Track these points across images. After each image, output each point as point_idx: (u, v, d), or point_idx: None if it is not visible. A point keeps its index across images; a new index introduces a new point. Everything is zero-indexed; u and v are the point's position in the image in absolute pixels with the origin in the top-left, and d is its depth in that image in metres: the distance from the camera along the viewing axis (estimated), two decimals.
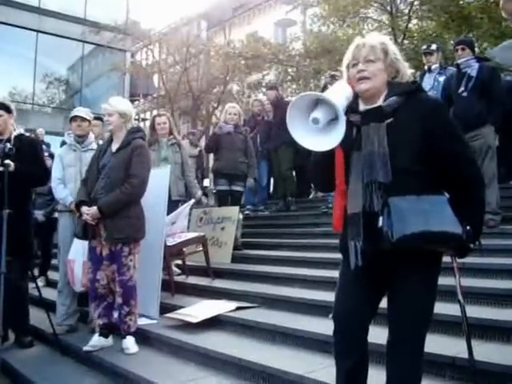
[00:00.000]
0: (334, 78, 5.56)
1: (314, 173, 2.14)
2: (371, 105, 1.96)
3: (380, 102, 1.94)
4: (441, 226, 1.80)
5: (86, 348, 3.53)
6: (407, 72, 2.01)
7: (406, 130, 1.86)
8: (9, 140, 3.84)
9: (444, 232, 1.80)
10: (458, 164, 1.88)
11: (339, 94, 1.90)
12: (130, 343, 3.49)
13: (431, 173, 1.88)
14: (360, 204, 1.89)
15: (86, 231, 3.55)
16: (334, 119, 1.81)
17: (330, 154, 1.93)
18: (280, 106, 6.68)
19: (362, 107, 1.99)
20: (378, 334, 2.06)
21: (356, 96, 1.99)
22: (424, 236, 1.77)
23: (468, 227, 1.85)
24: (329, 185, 2.07)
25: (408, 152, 1.85)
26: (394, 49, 1.99)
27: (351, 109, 1.97)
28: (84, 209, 3.47)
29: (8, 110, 4.00)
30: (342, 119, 1.77)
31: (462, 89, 4.67)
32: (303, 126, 1.83)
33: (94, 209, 3.43)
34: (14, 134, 3.98)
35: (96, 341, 3.56)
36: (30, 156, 3.87)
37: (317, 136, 1.83)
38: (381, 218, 1.82)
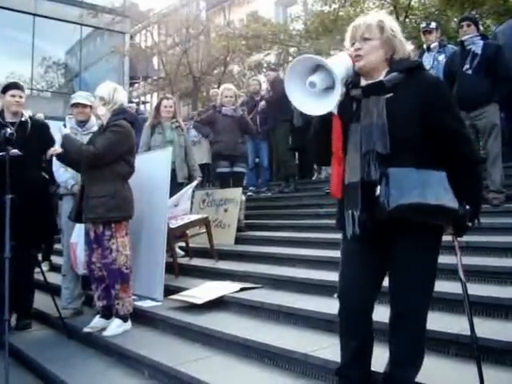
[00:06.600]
0: None
1: (314, 144, 2.17)
2: (371, 80, 1.99)
3: (382, 77, 1.97)
4: (437, 199, 1.81)
5: (85, 329, 3.58)
6: (406, 49, 2.02)
7: (406, 105, 1.89)
8: (14, 124, 3.88)
9: (440, 205, 1.82)
10: (453, 141, 1.91)
11: (339, 63, 1.92)
12: (111, 325, 3.51)
13: (430, 149, 1.90)
14: (358, 173, 1.92)
15: (79, 214, 3.58)
16: (331, 88, 1.83)
17: (327, 122, 1.97)
18: (277, 88, 6.66)
19: (363, 82, 2.02)
20: (382, 313, 2.07)
21: (358, 73, 2.01)
22: (420, 207, 1.79)
23: (467, 206, 1.88)
24: (327, 156, 2.08)
25: (407, 126, 1.87)
26: (392, 26, 2.00)
27: (353, 84, 2.01)
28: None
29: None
30: (339, 86, 1.80)
31: (466, 66, 4.60)
32: (300, 89, 1.87)
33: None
34: (23, 118, 4.02)
35: (96, 322, 3.61)
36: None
37: (312, 100, 1.87)
38: (378, 188, 1.84)
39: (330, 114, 1.93)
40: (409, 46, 2.04)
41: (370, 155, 1.89)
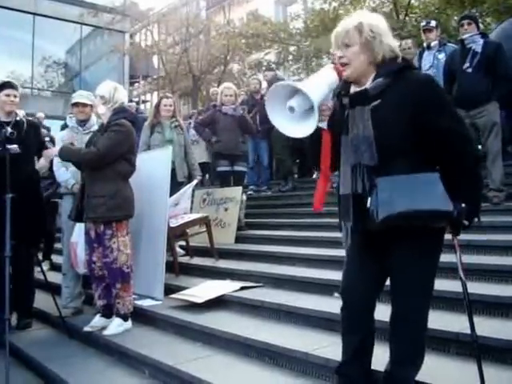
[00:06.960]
0: None
1: (309, 152, 2.16)
2: (360, 87, 1.95)
3: (368, 84, 1.92)
4: (429, 204, 1.79)
5: (86, 328, 3.60)
6: (386, 49, 1.91)
7: (394, 110, 1.84)
8: (9, 123, 3.86)
9: (432, 210, 1.80)
10: (449, 139, 1.86)
11: (319, 84, 1.90)
12: (112, 324, 3.51)
13: (422, 150, 1.86)
14: (349, 186, 1.92)
15: (79, 214, 3.59)
16: (312, 108, 1.81)
17: (318, 136, 1.95)
18: None
19: (352, 90, 1.98)
20: (382, 312, 2.06)
21: (346, 81, 1.98)
22: (411, 215, 1.78)
23: (463, 204, 1.84)
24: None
25: (396, 132, 1.83)
26: (372, 26, 1.90)
27: (344, 92, 1.98)
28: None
29: None
30: (316, 112, 1.79)
31: (466, 65, 4.59)
32: (281, 113, 1.87)
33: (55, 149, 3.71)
34: (17, 117, 4.01)
35: (96, 321, 3.62)
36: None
37: (294, 123, 1.87)
38: (369, 199, 1.84)
39: (319, 129, 1.91)
40: (394, 42, 1.93)
41: (358, 168, 1.88)
